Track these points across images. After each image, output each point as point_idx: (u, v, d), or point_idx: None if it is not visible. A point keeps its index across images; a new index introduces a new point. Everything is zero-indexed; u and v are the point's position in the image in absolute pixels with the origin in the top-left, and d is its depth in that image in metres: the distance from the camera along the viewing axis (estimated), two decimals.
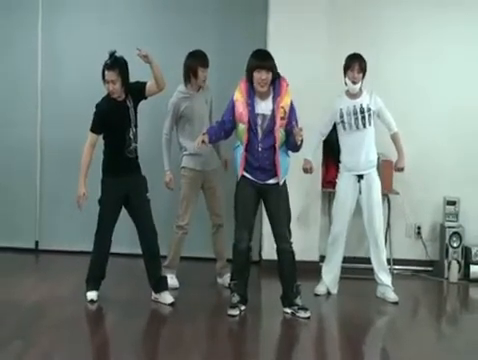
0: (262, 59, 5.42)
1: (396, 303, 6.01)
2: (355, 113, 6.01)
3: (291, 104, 5.43)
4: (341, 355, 5.07)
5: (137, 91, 5.61)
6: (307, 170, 6.18)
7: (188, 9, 7.19)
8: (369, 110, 6.00)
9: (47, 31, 7.24)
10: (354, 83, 6.00)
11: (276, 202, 5.50)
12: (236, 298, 5.56)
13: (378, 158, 6.81)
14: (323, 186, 6.87)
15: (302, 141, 5.38)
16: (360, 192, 6.03)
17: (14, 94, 7.30)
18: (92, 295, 5.68)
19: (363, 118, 6.00)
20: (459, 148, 7.15)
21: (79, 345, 4.91)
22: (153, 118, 6.65)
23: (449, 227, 6.96)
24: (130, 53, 7.11)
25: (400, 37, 7.11)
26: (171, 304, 5.67)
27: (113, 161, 5.66)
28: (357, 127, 6.02)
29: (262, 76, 5.36)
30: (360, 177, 6.03)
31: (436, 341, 5.50)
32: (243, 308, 5.59)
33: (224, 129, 5.53)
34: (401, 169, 6.15)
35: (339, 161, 6.51)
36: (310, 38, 6.81)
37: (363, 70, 6.02)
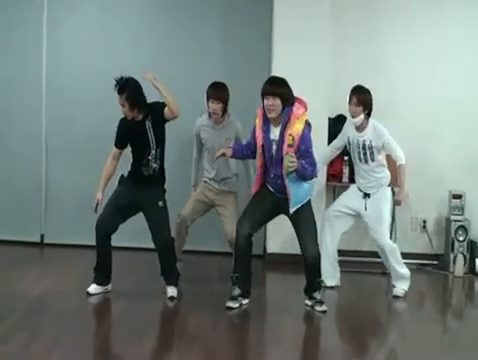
0: (270, 85, 5.40)
1: (397, 297, 6.03)
2: (358, 147, 5.95)
3: (303, 131, 5.33)
4: (345, 348, 5.06)
5: (157, 113, 5.52)
6: None
7: (193, 3, 7.17)
8: (371, 148, 5.89)
9: (52, 26, 7.23)
10: (353, 117, 5.92)
11: (297, 218, 5.49)
12: (236, 291, 5.57)
13: None
14: (328, 180, 6.86)
15: (310, 170, 5.33)
16: (365, 208, 6.00)
17: (19, 90, 7.29)
18: (90, 288, 5.72)
19: (365, 154, 5.93)
20: (464, 142, 7.12)
21: (83, 337, 4.92)
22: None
23: (455, 221, 6.94)
24: (134, 47, 7.20)
25: (406, 34, 7.08)
26: (170, 298, 5.68)
27: (132, 172, 5.69)
28: (360, 160, 5.99)
29: (269, 102, 5.34)
30: (367, 195, 6.00)
31: (441, 335, 5.51)
32: (245, 302, 5.60)
33: (250, 149, 5.61)
34: (398, 203, 5.99)
35: (344, 155, 6.54)
36: (314, 30, 6.80)
37: (363, 103, 5.85)
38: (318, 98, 6.53)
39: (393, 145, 5.88)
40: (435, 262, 7.11)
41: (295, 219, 5.51)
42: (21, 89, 7.29)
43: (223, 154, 5.64)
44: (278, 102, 5.32)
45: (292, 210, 5.44)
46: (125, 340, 4.88)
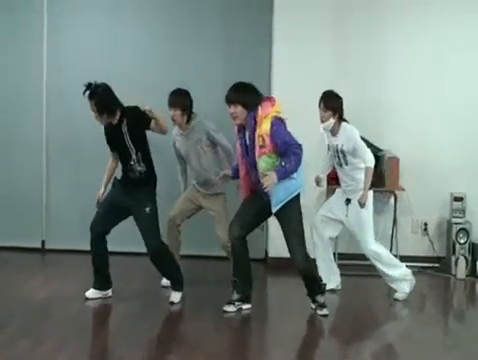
0: (229, 92, 5.37)
1: (397, 300, 6.03)
2: (334, 151, 5.95)
3: (271, 129, 5.20)
4: (346, 352, 5.04)
5: (137, 120, 5.49)
6: (317, 183, 6.24)
7: (193, 7, 7.19)
8: (343, 151, 5.86)
9: (52, 31, 7.26)
10: (322, 121, 5.89)
11: (282, 219, 5.45)
12: (235, 296, 5.57)
13: (383, 155, 6.82)
14: (328, 183, 6.85)
15: (293, 164, 5.16)
16: (346, 215, 5.99)
17: (20, 94, 7.32)
18: (88, 292, 5.75)
19: (339, 158, 5.92)
20: (465, 144, 7.10)
21: (85, 343, 4.93)
22: None
23: (456, 223, 6.93)
24: (135, 51, 7.22)
25: (407, 36, 7.07)
26: (170, 303, 5.69)
27: (122, 176, 5.72)
28: (337, 164, 6.00)
29: (230, 110, 5.33)
30: (348, 201, 5.98)
31: (443, 337, 5.48)
32: (245, 307, 5.60)
33: None
34: (361, 205, 5.82)
35: None
36: (314, 33, 6.85)
37: (331, 108, 5.82)
38: (319, 100, 6.53)
39: (362, 149, 5.80)
40: (437, 265, 7.09)
41: (280, 220, 5.45)
42: (22, 94, 7.32)
43: (224, 175, 5.62)
44: (239, 109, 5.29)
45: (274, 210, 5.36)
46: (127, 345, 4.86)
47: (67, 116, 7.26)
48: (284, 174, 5.18)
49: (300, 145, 5.23)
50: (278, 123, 5.26)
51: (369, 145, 6.77)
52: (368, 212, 5.91)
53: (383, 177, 6.81)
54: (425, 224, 7.18)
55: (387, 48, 7.07)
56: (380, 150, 6.89)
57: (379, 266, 5.99)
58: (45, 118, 7.32)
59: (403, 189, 6.90)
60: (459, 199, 6.97)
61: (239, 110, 5.30)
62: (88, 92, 5.46)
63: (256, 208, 5.49)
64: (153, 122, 5.45)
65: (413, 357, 4.88)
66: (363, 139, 6.74)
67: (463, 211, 6.96)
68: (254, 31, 7.12)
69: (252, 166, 5.36)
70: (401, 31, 7.07)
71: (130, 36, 7.24)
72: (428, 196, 7.08)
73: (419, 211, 7.09)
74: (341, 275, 6.27)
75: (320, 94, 5.96)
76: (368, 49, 7.07)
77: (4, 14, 7.28)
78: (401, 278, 6.02)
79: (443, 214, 7.14)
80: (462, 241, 6.91)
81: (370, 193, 5.91)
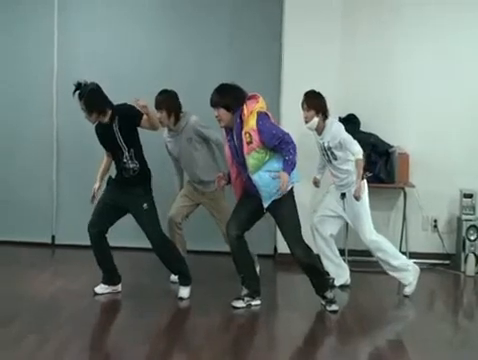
0: (213, 95, 5.35)
1: (407, 296, 6.01)
2: (321, 149, 5.96)
3: (257, 124, 5.20)
4: (356, 348, 5.04)
5: (128, 116, 5.50)
6: (315, 184, 6.31)
7: (204, 4, 7.19)
8: (330, 148, 5.87)
9: (62, 23, 7.29)
10: (306, 122, 5.90)
11: (275, 215, 5.45)
12: (244, 291, 5.59)
13: (393, 152, 6.81)
14: None
15: (291, 154, 5.16)
16: (344, 209, 6.01)
17: (30, 91, 7.35)
18: (96, 288, 5.78)
19: (327, 155, 5.92)
20: (475, 141, 7.08)
21: (92, 339, 4.95)
22: None
23: (466, 220, 6.91)
24: (145, 43, 7.22)
25: (415, 35, 7.04)
26: (179, 299, 5.71)
27: (116, 175, 5.73)
28: (326, 162, 6.01)
29: (215, 113, 5.34)
30: (343, 195, 5.99)
31: (452, 334, 5.46)
32: (255, 303, 5.60)
33: None
34: (356, 198, 5.81)
35: None
36: (324, 30, 6.84)
37: (314, 107, 5.83)
38: (328, 98, 6.48)
39: (349, 142, 5.80)
40: (447, 262, 7.08)
41: (274, 215, 5.46)
42: (32, 91, 7.35)
43: (220, 179, 5.57)
44: (222, 111, 5.30)
45: (266, 205, 5.34)
46: (134, 341, 4.87)
47: (77, 112, 7.18)
48: (291, 166, 5.20)
49: (288, 133, 5.25)
50: (264, 117, 5.27)
51: (378, 140, 6.81)
52: (363, 203, 5.91)
53: (393, 173, 6.80)
54: (435, 221, 7.16)
55: (396, 46, 7.04)
56: (390, 146, 6.88)
57: (380, 256, 5.96)
58: (55, 114, 7.34)
59: (413, 185, 6.88)
60: (469, 196, 6.94)
61: (222, 112, 5.30)
62: (77, 92, 5.47)
63: (251, 206, 5.47)
64: (144, 118, 5.44)
65: (422, 354, 4.86)
66: (372, 135, 6.80)
67: (473, 208, 6.94)
68: (264, 28, 7.11)
69: (243, 166, 5.35)
70: (410, 29, 7.04)
71: (137, 33, 7.24)
72: (438, 193, 7.06)
73: (429, 208, 7.07)
74: (351, 271, 6.28)
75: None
76: (377, 47, 7.04)
77: (14, 9, 7.31)
78: (403, 268, 5.98)
79: (453, 211, 7.12)
80: (472, 238, 6.89)
81: (364, 184, 5.91)
